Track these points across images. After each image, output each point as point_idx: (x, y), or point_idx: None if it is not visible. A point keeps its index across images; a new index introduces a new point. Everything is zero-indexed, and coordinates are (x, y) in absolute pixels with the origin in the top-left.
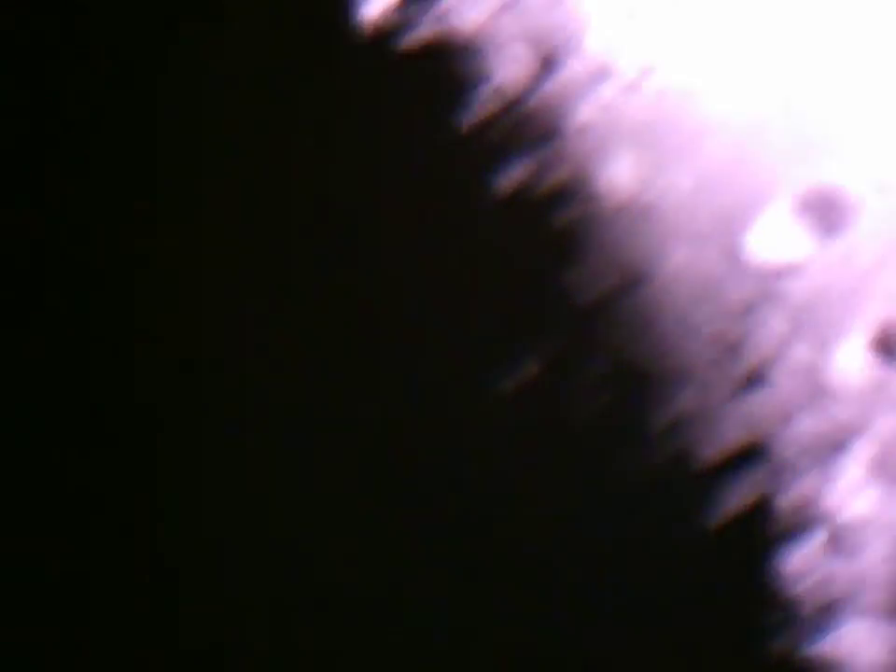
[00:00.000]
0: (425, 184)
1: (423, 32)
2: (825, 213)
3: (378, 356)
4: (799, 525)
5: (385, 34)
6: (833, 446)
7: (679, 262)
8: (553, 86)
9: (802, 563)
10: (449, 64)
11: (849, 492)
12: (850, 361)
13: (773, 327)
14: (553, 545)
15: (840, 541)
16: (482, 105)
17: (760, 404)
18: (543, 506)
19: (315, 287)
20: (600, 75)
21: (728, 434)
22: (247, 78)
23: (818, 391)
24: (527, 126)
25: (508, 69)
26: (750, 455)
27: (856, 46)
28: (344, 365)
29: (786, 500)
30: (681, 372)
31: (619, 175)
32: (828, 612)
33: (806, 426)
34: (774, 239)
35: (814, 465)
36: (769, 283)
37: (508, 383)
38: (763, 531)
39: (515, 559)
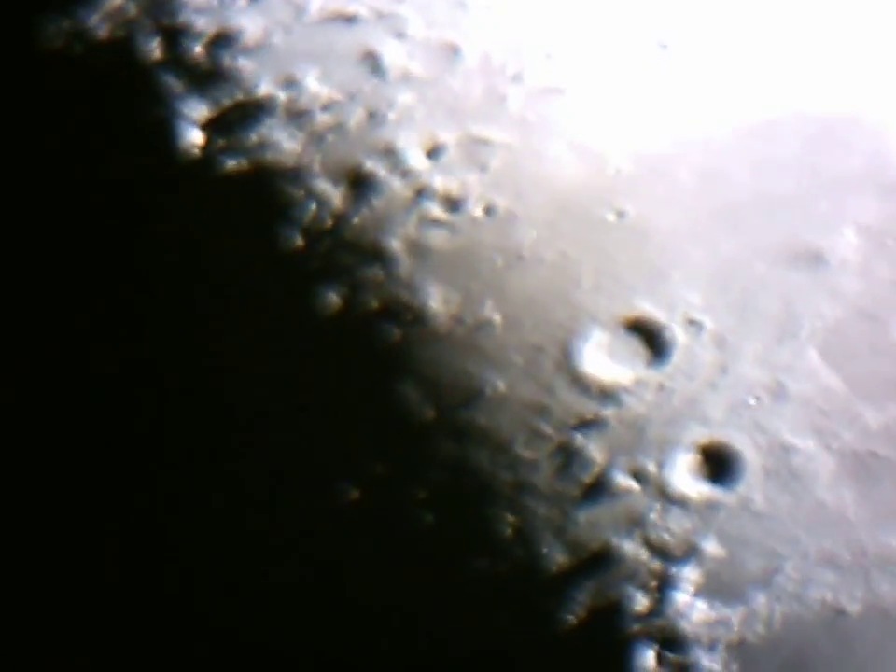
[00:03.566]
0: (248, 300)
1: (243, 158)
2: (639, 345)
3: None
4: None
5: (209, 158)
6: (669, 559)
7: (512, 379)
8: (368, 213)
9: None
10: (269, 188)
11: (684, 606)
12: (679, 479)
13: (605, 439)
14: (404, 652)
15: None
16: (298, 231)
17: (604, 513)
18: (392, 616)
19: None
20: (413, 204)
21: (575, 541)
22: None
23: (654, 503)
24: (346, 249)
25: (325, 195)
26: (597, 561)
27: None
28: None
29: (632, 605)
30: (525, 483)
31: (433, 303)
32: None
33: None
34: (590, 369)
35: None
36: (594, 406)
37: (351, 491)
38: (612, 635)
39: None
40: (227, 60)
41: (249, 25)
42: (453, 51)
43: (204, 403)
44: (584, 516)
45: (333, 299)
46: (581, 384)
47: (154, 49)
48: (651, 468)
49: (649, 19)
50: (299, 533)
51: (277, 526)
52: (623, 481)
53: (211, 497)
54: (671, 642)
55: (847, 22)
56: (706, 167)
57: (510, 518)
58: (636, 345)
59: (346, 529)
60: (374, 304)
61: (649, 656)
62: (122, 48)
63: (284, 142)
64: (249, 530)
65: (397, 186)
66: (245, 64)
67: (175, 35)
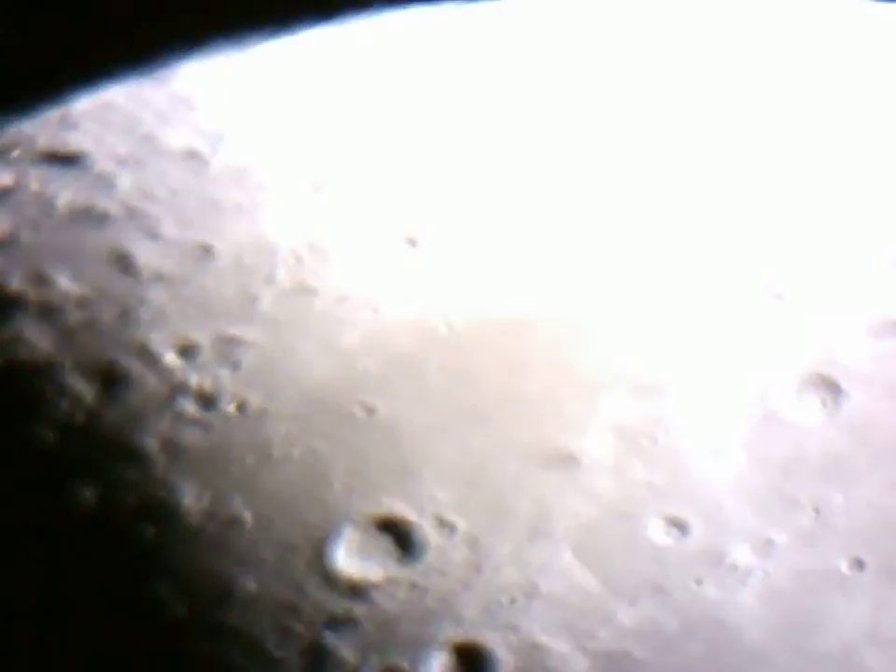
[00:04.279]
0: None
1: None
2: (390, 544)
3: None
4: None
5: None
6: None
7: (263, 577)
8: (122, 410)
9: None
10: (21, 385)
11: None
12: None
13: (357, 639)
14: None
15: None
16: (51, 429)
17: None
18: None
19: None
20: (166, 402)
21: None
22: None
23: None
24: (99, 447)
25: (78, 393)
26: None
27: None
28: None
29: None
30: None
31: (186, 501)
32: None
33: None
34: (341, 567)
35: None
36: (346, 604)
37: None
38: None
39: None
40: None
41: None
42: (205, 251)
43: None
44: None
45: (87, 497)
46: (332, 583)
47: None
48: (404, 668)
49: (397, 215)
50: None
51: None
52: None
53: None
54: None
55: (597, 228)
56: (455, 365)
57: None
58: (387, 544)
59: None
60: (128, 502)
61: None
62: None
63: (35, 339)
64: None
65: (150, 384)
66: None
67: None
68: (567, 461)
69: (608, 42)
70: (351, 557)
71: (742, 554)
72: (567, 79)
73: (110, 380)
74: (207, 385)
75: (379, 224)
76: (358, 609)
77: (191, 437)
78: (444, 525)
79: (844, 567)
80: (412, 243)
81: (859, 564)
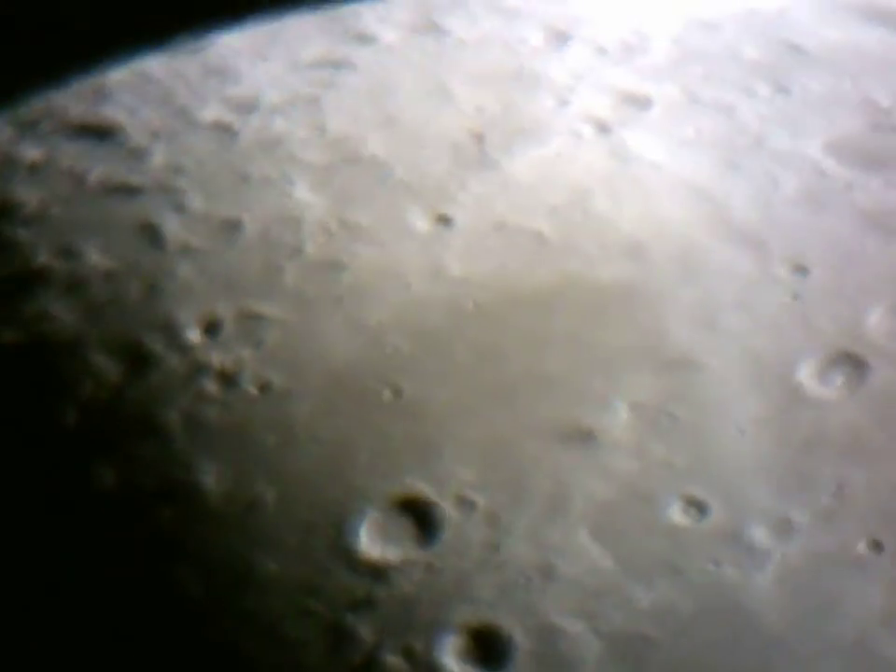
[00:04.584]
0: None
1: (19, 331)
2: (411, 525)
3: None
4: None
5: None
6: None
7: (284, 558)
8: (144, 388)
9: None
10: (45, 361)
11: None
12: (449, 661)
13: (375, 619)
14: None
15: None
16: (75, 407)
17: None
18: None
19: None
20: (189, 381)
21: None
22: None
23: None
24: (121, 424)
25: (102, 369)
26: None
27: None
28: None
29: None
30: (295, 664)
31: (207, 481)
32: None
33: None
34: (362, 548)
35: None
36: (365, 586)
37: None
38: None
39: None
40: (5, 231)
41: (28, 196)
42: (233, 225)
43: None
44: None
45: (108, 475)
46: (352, 563)
47: None
48: (421, 649)
49: (429, 191)
50: None
51: None
52: (393, 662)
53: None
54: None
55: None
56: (481, 343)
57: None
58: (407, 524)
59: None
60: (149, 481)
61: None
62: None
63: (61, 314)
64: None
65: (173, 361)
66: (23, 235)
67: None
68: (587, 439)
69: None
70: (372, 538)
71: (760, 535)
72: None
73: (134, 356)
74: (230, 362)
75: (410, 200)
76: (378, 590)
77: (213, 416)
78: (464, 504)
79: (861, 548)
80: (442, 219)
81: (876, 545)
